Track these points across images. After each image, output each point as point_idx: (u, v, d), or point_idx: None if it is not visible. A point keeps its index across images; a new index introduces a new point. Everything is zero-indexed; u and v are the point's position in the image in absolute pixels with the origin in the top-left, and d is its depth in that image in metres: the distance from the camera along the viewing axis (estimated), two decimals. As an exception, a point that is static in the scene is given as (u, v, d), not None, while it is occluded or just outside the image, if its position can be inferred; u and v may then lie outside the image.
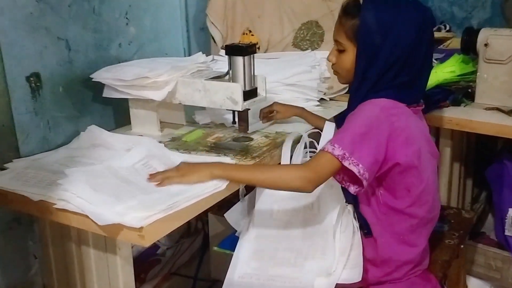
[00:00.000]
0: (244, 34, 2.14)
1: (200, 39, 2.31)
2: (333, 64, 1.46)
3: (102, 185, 1.26)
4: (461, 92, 2.01)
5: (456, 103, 1.98)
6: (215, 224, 1.70)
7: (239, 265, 1.42)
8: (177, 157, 1.43)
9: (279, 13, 2.11)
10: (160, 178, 1.27)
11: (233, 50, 1.55)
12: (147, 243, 1.13)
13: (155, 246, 2.12)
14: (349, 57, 1.38)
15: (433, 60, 2.11)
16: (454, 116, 1.88)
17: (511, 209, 1.97)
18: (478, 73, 1.99)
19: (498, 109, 1.89)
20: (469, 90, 2.02)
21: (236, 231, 1.59)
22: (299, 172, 1.26)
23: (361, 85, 1.36)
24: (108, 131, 1.74)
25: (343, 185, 1.33)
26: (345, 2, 1.38)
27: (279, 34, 2.12)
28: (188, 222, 2.25)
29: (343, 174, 1.31)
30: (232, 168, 1.34)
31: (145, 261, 2.02)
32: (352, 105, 1.38)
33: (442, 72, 2.10)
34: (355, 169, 1.24)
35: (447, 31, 2.79)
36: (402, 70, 1.33)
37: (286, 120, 1.79)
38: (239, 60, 1.55)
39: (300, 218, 1.46)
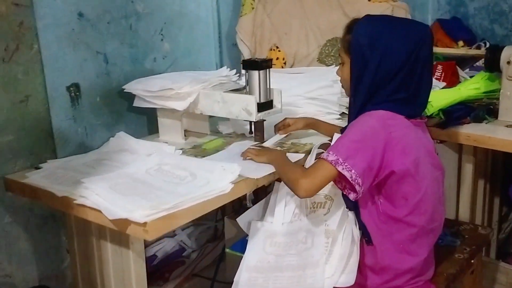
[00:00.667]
0: (271, 50, 2.24)
1: (232, 55, 2.44)
2: (340, 78, 1.55)
3: (119, 185, 1.39)
4: (482, 109, 2.01)
5: (478, 119, 1.99)
6: (231, 228, 1.80)
7: (244, 269, 1.51)
8: (190, 162, 1.54)
9: (305, 30, 2.21)
10: (244, 152, 1.59)
11: (249, 65, 1.67)
12: (150, 237, 1.24)
13: (181, 249, 2.24)
14: (347, 69, 1.48)
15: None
16: (473, 132, 1.89)
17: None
18: (501, 91, 1.99)
19: (519, 126, 1.89)
20: (491, 107, 2.02)
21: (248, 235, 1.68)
22: (298, 177, 1.38)
23: (356, 96, 1.45)
24: (140, 138, 1.88)
25: (344, 192, 1.39)
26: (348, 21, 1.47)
27: (305, 50, 2.21)
28: (215, 227, 2.37)
29: (344, 181, 1.38)
30: (278, 160, 1.53)
31: (171, 262, 2.14)
32: (350, 117, 1.46)
33: (466, 89, 2.12)
34: (347, 174, 1.31)
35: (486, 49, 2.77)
36: (400, 87, 1.40)
37: (302, 133, 1.86)
38: (255, 74, 1.65)
39: (292, 251, 1.52)
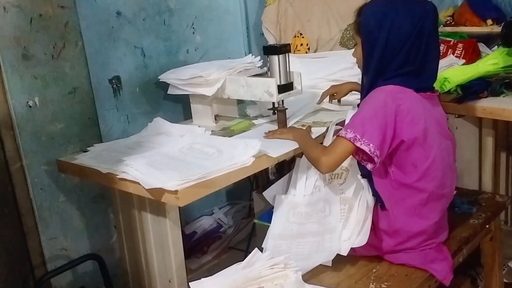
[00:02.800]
0: (295, 36, 2.38)
1: (260, 43, 2.59)
2: (356, 60, 1.68)
3: (155, 161, 1.58)
4: (499, 83, 2.08)
5: (495, 93, 2.06)
6: (259, 202, 1.96)
7: (270, 236, 1.67)
8: (217, 140, 1.71)
9: (326, 17, 2.33)
10: (270, 133, 1.77)
11: (269, 50, 1.81)
12: (181, 203, 1.42)
13: (219, 226, 2.42)
14: (359, 49, 1.61)
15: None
16: (488, 105, 1.97)
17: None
18: (518, 64, 2.05)
19: (536, 98, 1.95)
20: (507, 81, 2.08)
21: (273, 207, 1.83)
22: (320, 155, 1.52)
23: (367, 73, 1.58)
24: (176, 123, 2.07)
25: (362, 163, 1.53)
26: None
27: (327, 35, 2.34)
28: (249, 205, 2.53)
29: (361, 153, 1.51)
30: (302, 138, 1.68)
31: (209, 237, 2.33)
32: (362, 92, 1.59)
33: (485, 65, 2.18)
34: (366, 148, 1.45)
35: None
36: (407, 60, 1.51)
37: (322, 111, 2.00)
38: (275, 58, 1.80)
39: (313, 220, 1.66)
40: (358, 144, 1.46)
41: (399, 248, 1.60)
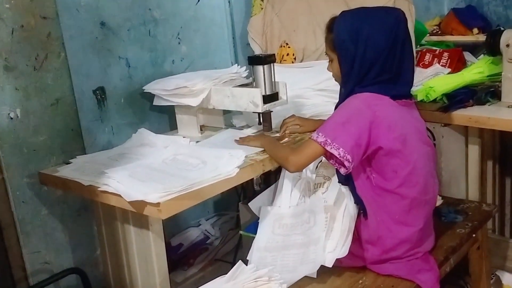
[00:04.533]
0: (281, 46, 2.37)
1: (246, 54, 2.57)
2: (332, 74, 1.68)
3: (137, 173, 1.56)
4: (484, 91, 2.08)
5: (481, 102, 2.06)
6: (245, 213, 1.94)
7: (255, 248, 1.65)
8: (202, 150, 1.70)
9: (312, 26, 2.33)
10: (241, 140, 1.80)
11: (254, 60, 1.81)
12: (163, 216, 1.40)
13: (205, 237, 2.40)
14: (336, 65, 1.61)
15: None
16: (474, 114, 1.97)
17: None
18: (503, 73, 2.06)
19: (522, 106, 1.96)
20: (494, 89, 2.09)
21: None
22: (288, 155, 1.56)
23: (347, 84, 1.58)
24: (162, 134, 2.05)
25: (336, 167, 1.52)
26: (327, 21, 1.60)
27: (313, 45, 2.33)
28: (237, 216, 2.51)
29: (333, 158, 1.51)
30: (270, 142, 1.72)
31: (195, 249, 2.30)
32: (339, 101, 1.59)
33: (470, 74, 2.19)
34: (336, 153, 1.45)
35: (502, 33, 2.81)
36: (383, 70, 1.52)
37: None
38: (260, 68, 1.79)
39: (298, 231, 1.65)
40: (328, 148, 1.47)
41: (385, 257, 1.59)
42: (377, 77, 1.52)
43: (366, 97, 1.51)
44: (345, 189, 1.60)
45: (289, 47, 2.36)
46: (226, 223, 2.50)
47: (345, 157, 1.45)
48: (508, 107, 2.00)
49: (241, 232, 1.85)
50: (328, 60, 1.67)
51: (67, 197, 1.91)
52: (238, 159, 1.56)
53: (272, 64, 1.81)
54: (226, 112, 2.11)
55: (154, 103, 2.09)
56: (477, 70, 2.20)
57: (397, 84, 1.54)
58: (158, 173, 1.56)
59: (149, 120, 2.25)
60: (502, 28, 2.16)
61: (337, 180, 1.63)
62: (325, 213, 1.59)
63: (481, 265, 1.92)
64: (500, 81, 2.10)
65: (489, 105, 2.06)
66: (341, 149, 1.44)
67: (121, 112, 2.16)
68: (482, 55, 2.82)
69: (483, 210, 1.91)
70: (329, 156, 1.50)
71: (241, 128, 2.04)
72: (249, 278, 1.31)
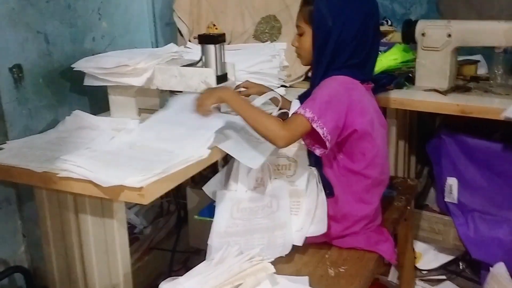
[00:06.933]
0: (209, 27, 2.32)
1: (166, 33, 2.49)
2: (296, 48, 1.68)
3: (97, 157, 1.42)
4: (403, 76, 2.27)
5: (399, 86, 2.25)
6: (193, 197, 1.88)
7: (214, 233, 1.61)
8: (169, 133, 1.60)
9: (240, 8, 2.32)
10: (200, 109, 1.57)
11: (206, 39, 1.74)
12: (146, 201, 1.31)
13: (131, 227, 2.27)
14: (307, 39, 1.63)
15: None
16: (398, 97, 2.13)
17: (449, 178, 2.24)
18: (417, 60, 2.25)
19: (435, 90, 2.16)
20: (410, 74, 2.29)
21: (214, 201, 1.77)
22: (279, 128, 1.47)
23: (319, 63, 1.61)
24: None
25: (310, 148, 1.54)
26: None
27: (241, 28, 2.33)
28: (161, 204, 2.42)
29: (310, 138, 1.52)
30: (236, 98, 1.55)
31: (124, 240, 2.17)
32: (314, 81, 1.62)
33: (387, 60, 2.36)
34: (320, 131, 1.46)
35: (389, 26, 3.06)
36: (354, 52, 1.58)
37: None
38: (211, 48, 1.74)
39: (259, 216, 1.63)
40: (314, 125, 1.46)
41: (345, 233, 1.66)
42: (348, 60, 1.57)
43: (343, 79, 1.55)
44: (314, 170, 1.63)
45: (216, 28, 2.32)
46: (149, 210, 2.38)
47: (327, 137, 1.47)
48: (424, 90, 2.20)
49: (195, 216, 1.78)
50: (296, 34, 1.67)
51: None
52: (209, 140, 1.50)
53: (222, 44, 1.77)
54: (162, 92, 2.00)
55: (85, 83, 1.91)
56: (392, 57, 2.38)
57: (364, 69, 1.61)
58: (122, 157, 1.44)
59: (70, 102, 2.05)
60: (412, 20, 2.34)
61: (306, 162, 1.64)
62: (296, 197, 1.60)
63: (407, 235, 2.10)
64: (413, 67, 2.30)
65: (406, 89, 2.25)
66: (324, 128, 1.46)
67: (39, 93, 1.94)
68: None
69: (409, 185, 2.09)
70: (308, 134, 1.51)
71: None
72: (243, 259, 1.28)
